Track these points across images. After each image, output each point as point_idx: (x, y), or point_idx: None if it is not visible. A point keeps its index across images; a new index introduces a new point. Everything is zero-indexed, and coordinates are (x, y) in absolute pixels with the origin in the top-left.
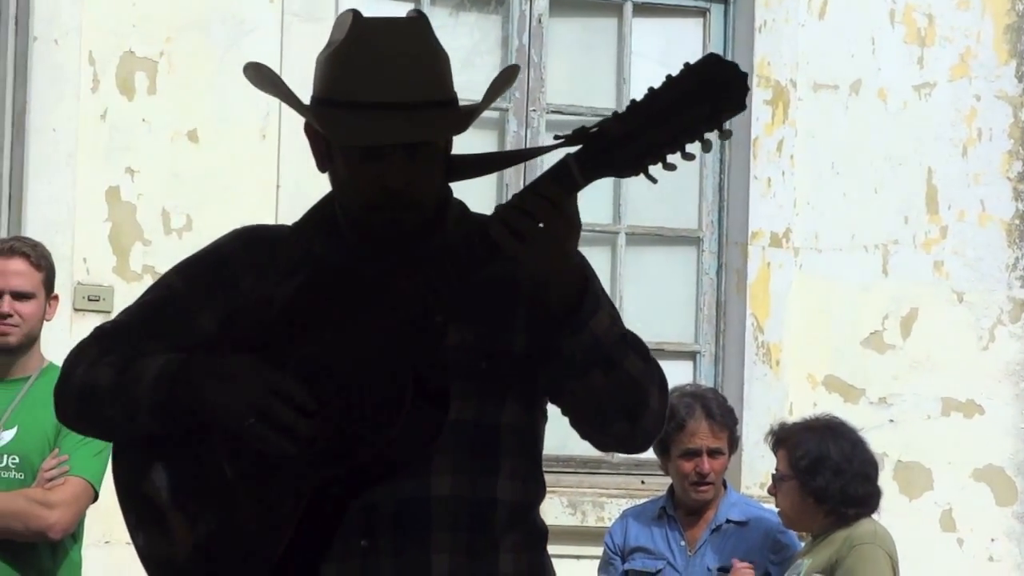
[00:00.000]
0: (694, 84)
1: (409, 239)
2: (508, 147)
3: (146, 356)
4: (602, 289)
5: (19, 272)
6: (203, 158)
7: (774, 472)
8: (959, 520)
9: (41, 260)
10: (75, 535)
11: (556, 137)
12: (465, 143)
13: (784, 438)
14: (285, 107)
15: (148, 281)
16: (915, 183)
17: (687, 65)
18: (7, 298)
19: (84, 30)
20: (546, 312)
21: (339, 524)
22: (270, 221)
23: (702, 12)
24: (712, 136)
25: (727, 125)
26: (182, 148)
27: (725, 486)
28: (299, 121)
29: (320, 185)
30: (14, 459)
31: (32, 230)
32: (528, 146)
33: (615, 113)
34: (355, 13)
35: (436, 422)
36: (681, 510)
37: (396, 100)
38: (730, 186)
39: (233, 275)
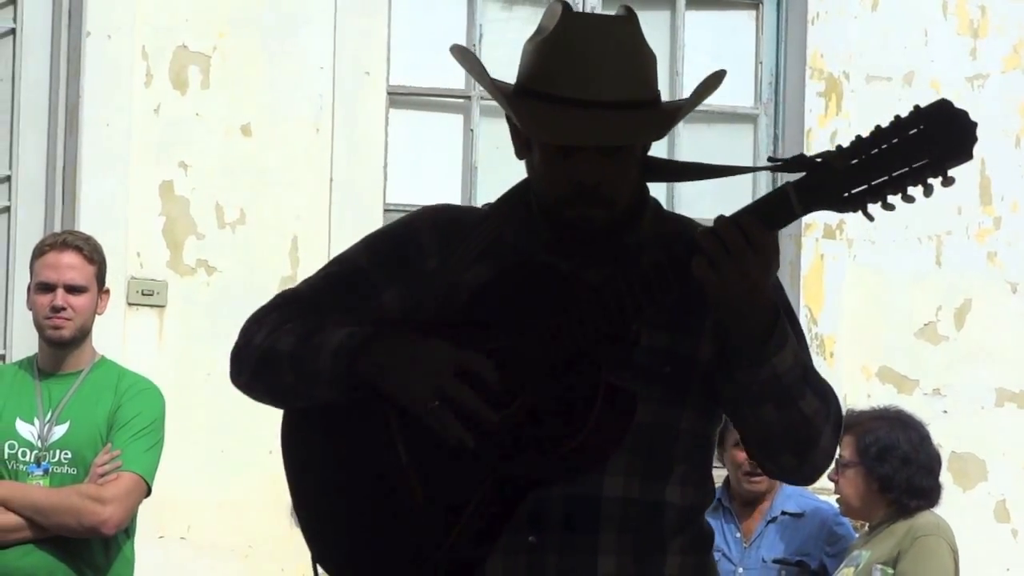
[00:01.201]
0: (923, 128)
1: (601, 236)
2: None
3: (329, 328)
4: (792, 318)
5: (72, 266)
6: (256, 152)
7: (838, 458)
8: (1013, 511)
9: (94, 254)
10: (128, 531)
11: (771, 159)
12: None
13: (852, 424)
14: (339, 102)
15: (202, 275)
16: (968, 174)
17: (916, 108)
18: (60, 291)
19: (137, 25)
20: (729, 341)
21: (510, 518)
22: (323, 215)
23: (755, 5)
24: (935, 181)
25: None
26: (235, 143)
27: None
28: (351, 116)
29: (373, 178)
30: (67, 454)
31: (86, 225)
32: None
33: (839, 147)
34: (565, 5)
35: (621, 428)
36: (736, 501)
37: (596, 98)
38: (784, 178)
39: (421, 255)
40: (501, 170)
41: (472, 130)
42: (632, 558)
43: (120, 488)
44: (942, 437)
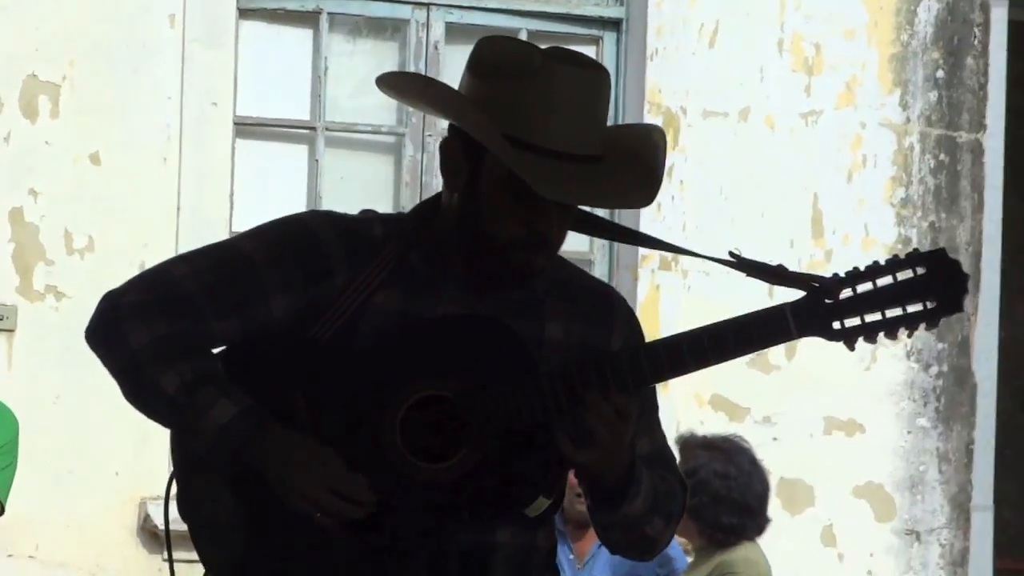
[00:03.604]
0: (921, 274)
1: (523, 280)
2: (405, 169)
3: (212, 376)
4: (657, 431)
5: None
6: (105, 180)
7: None
8: (840, 536)
9: None
10: None
11: (734, 255)
12: (362, 165)
13: (682, 448)
14: (186, 132)
15: (51, 300)
16: (801, 208)
17: (916, 251)
18: None
19: None
20: (591, 486)
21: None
22: (170, 242)
23: (595, 40)
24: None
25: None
26: (84, 171)
27: None
28: (198, 146)
29: (219, 206)
30: None
31: None
32: (423, 167)
33: (836, 275)
34: (546, 50)
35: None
36: (570, 524)
37: (587, 153)
38: (621, 211)
39: (327, 267)
40: (346, 200)
41: (317, 160)
42: None
43: None
44: (772, 463)
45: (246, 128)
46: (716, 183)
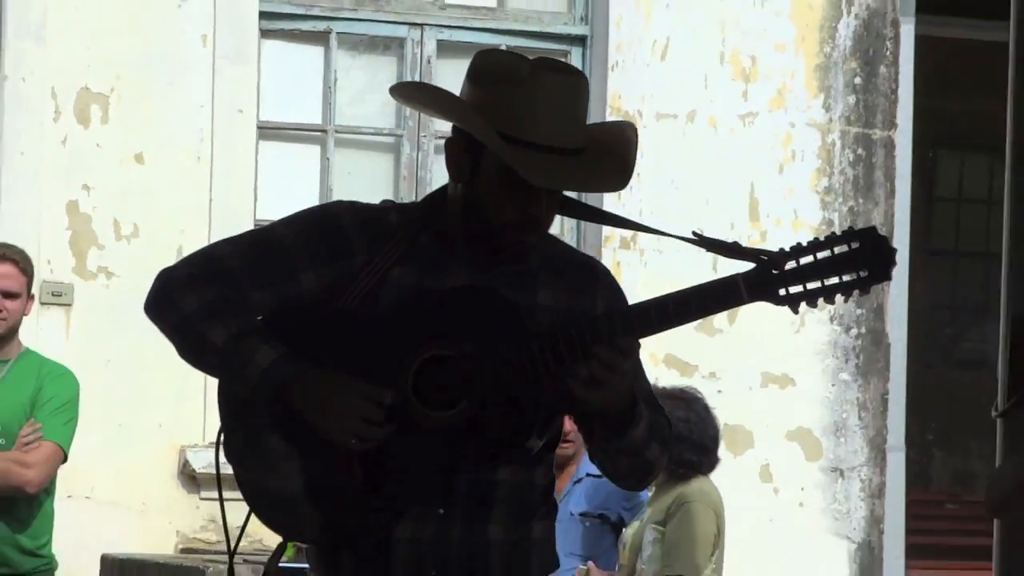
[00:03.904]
0: (855, 247)
1: (517, 256)
2: (403, 165)
3: (253, 332)
4: (643, 380)
5: (9, 275)
6: (147, 177)
7: None
8: (775, 473)
9: (27, 266)
10: (48, 490)
11: (696, 234)
12: (366, 162)
13: None
14: (216, 135)
15: (103, 279)
16: (740, 196)
17: (851, 228)
18: None
19: (47, 70)
20: (595, 423)
21: (425, 494)
22: (203, 229)
23: (564, 54)
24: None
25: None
26: (130, 169)
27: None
28: (227, 147)
29: (245, 198)
30: None
31: (4, 237)
32: (418, 164)
33: (782, 249)
34: (535, 60)
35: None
36: None
37: (574, 146)
38: (587, 198)
39: (350, 246)
40: (353, 192)
41: (328, 158)
42: (513, 526)
43: (41, 455)
44: (717, 412)
45: (267, 131)
46: (668, 175)
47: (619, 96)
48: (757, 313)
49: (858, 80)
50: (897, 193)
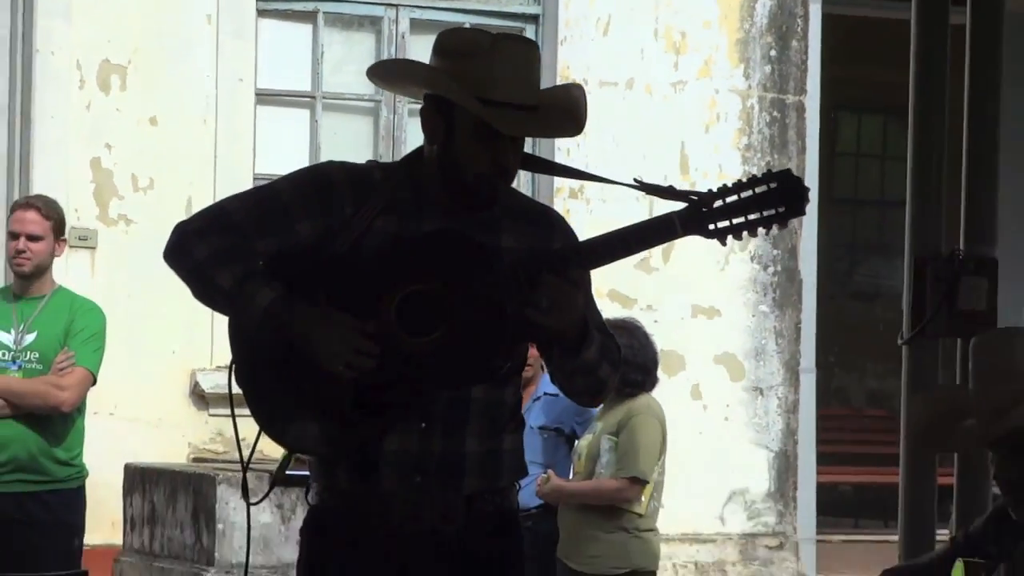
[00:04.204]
0: (774, 187)
1: (487, 205)
2: (381, 127)
3: (258, 275)
4: (595, 311)
5: (32, 220)
6: (161, 137)
7: None
8: (704, 392)
9: (50, 212)
10: (80, 409)
11: (637, 180)
12: (349, 124)
13: None
14: (220, 100)
15: (122, 226)
16: (672, 153)
17: (770, 171)
18: (23, 239)
19: (72, 44)
20: (552, 344)
21: (408, 411)
22: (209, 182)
23: (520, 30)
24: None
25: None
26: (145, 130)
27: (543, 368)
28: (229, 111)
29: (245, 156)
30: (35, 355)
31: (37, 190)
32: (395, 126)
33: (710, 190)
34: (492, 35)
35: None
36: None
37: (534, 103)
38: (538, 150)
39: (340, 199)
40: (338, 152)
41: (316, 121)
42: (487, 438)
43: (74, 379)
44: (654, 340)
45: (264, 97)
46: (609, 135)
47: (568, 66)
48: (688, 253)
49: (773, 52)
50: (807, 149)
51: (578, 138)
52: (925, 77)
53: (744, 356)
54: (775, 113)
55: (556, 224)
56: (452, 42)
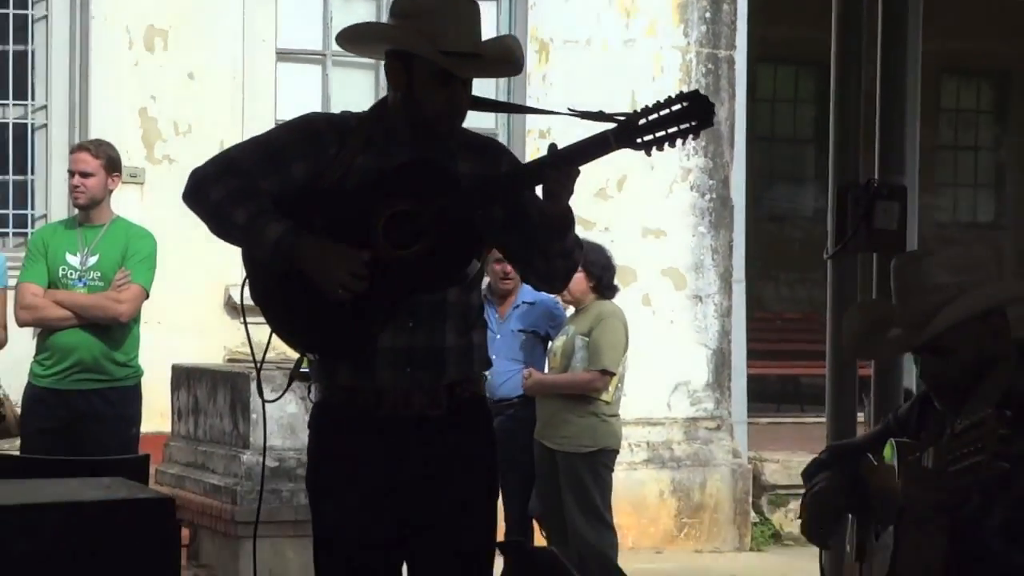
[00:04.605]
0: (686, 105)
1: (443, 137)
2: (382, 80)
3: (266, 212)
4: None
5: (83, 160)
6: (198, 90)
7: None
8: (653, 300)
9: (99, 152)
10: (135, 319)
11: (571, 109)
12: (355, 79)
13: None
14: (247, 58)
15: (166, 164)
16: (622, 100)
17: (682, 92)
18: (77, 176)
19: (122, 11)
20: (548, 229)
21: (397, 313)
22: (238, 127)
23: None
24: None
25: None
26: (185, 84)
27: (521, 280)
28: (254, 67)
29: (268, 105)
30: (97, 274)
31: (95, 134)
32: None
33: (635, 111)
34: None
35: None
36: (495, 295)
37: (482, 52)
38: (513, 97)
39: (326, 142)
40: (345, 101)
41: (327, 75)
42: (461, 333)
43: (131, 294)
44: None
45: (283, 55)
46: (572, 86)
47: (536, 27)
48: (638, 184)
49: (708, 14)
50: (736, 96)
51: (545, 88)
52: (845, 33)
53: (686, 270)
54: (709, 66)
55: (502, 151)
56: (408, 5)
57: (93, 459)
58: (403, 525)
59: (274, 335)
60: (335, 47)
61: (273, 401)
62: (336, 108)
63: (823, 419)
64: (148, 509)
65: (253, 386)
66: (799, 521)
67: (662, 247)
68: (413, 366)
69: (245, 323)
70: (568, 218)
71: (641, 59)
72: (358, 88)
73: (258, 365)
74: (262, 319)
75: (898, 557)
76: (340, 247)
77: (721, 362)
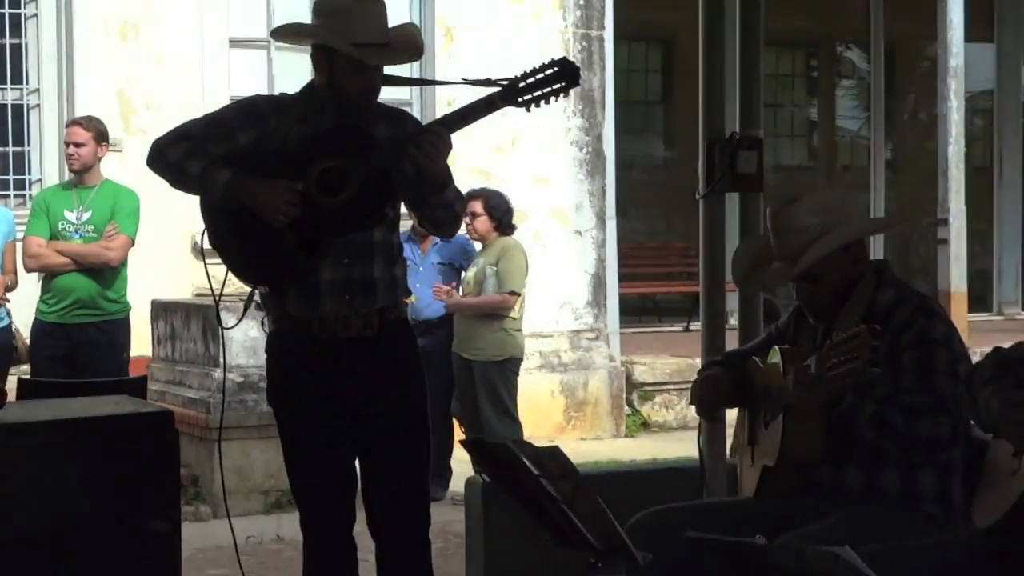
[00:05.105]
0: (556, 70)
1: (362, 111)
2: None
3: (216, 164)
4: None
5: (76, 132)
6: (164, 71)
7: (472, 211)
8: (542, 235)
9: (90, 125)
10: (124, 263)
11: (464, 79)
12: (296, 65)
13: (479, 195)
14: (205, 47)
15: (140, 136)
16: (516, 70)
17: (553, 59)
18: (72, 146)
19: (99, 7)
20: (426, 184)
21: (332, 250)
22: (199, 105)
23: None
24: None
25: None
26: (155, 68)
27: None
28: (211, 54)
29: (220, 87)
30: (90, 227)
31: (84, 111)
32: None
33: (516, 76)
34: None
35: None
36: (417, 235)
37: (386, 41)
38: (424, 74)
39: (266, 116)
40: (286, 82)
41: (271, 60)
42: (386, 266)
43: (119, 242)
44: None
45: (236, 43)
46: (473, 63)
47: (444, 15)
48: (529, 140)
49: (582, 1)
50: (606, 69)
51: (451, 65)
52: (711, 18)
53: (568, 210)
54: (584, 44)
55: (409, 119)
56: (326, 5)
57: (101, 380)
58: (351, 426)
59: (229, 273)
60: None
61: (231, 328)
62: (279, 88)
63: (678, 329)
64: (153, 420)
65: (221, 314)
66: (690, 405)
67: (549, 192)
68: (350, 295)
69: (205, 264)
70: (443, 175)
71: (529, 39)
72: (298, 70)
73: (217, 298)
74: (220, 260)
75: (785, 443)
76: (277, 182)
77: (598, 284)
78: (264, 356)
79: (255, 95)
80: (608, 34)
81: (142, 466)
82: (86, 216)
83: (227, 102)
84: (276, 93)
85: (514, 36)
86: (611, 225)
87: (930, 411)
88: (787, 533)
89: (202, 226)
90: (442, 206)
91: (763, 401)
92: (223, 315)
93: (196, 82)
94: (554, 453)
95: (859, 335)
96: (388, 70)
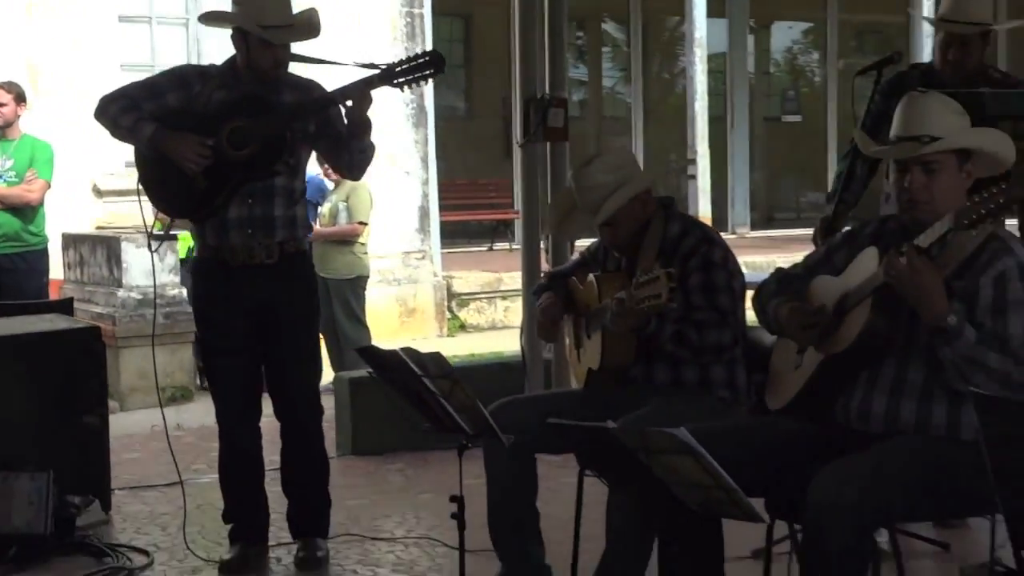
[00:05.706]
0: (426, 59)
1: (271, 80)
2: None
3: (146, 118)
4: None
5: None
6: (90, 49)
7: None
8: (378, 178)
9: (11, 88)
10: (42, 203)
11: (354, 61)
12: (218, 40)
13: None
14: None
15: (49, 97)
16: (370, 48)
17: (426, 50)
18: None
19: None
20: (355, 129)
21: (236, 195)
22: (118, 78)
23: None
24: (428, 79)
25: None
26: (71, 45)
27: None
28: (134, 33)
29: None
30: (12, 173)
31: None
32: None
33: (393, 62)
34: None
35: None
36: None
37: (291, 23)
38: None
39: (191, 81)
40: (214, 56)
41: (197, 40)
42: (286, 207)
43: (38, 185)
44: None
45: (164, 19)
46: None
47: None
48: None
49: None
50: (426, 41)
51: (325, 43)
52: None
53: (398, 155)
54: (409, 20)
55: (314, 86)
56: None
57: (35, 302)
58: (256, 336)
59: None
60: (198, 10)
61: (156, 250)
62: (203, 60)
63: (484, 248)
64: (83, 335)
65: (123, 245)
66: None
67: (385, 140)
68: (252, 229)
69: (140, 202)
70: (367, 125)
71: (375, 17)
72: (220, 49)
73: (149, 231)
74: (125, 198)
75: (605, 353)
76: (191, 136)
77: (424, 214)
78: (158, 278)
79: (186, 64)
80: (427, 11)
81: (76, 372)
82: (8, 164)
83: (151, 73)
84: (205, 64)
85: (362, 17)
86: (433, 166)
87: (715, 325)
88: (624, 417)
89: (99, 170)
90: (360, 150)
91: (585, 317)
92: (124, 245)
93: (112, 53)
94: (436, 358)
95: (659, 278)
96: (296, 48)
